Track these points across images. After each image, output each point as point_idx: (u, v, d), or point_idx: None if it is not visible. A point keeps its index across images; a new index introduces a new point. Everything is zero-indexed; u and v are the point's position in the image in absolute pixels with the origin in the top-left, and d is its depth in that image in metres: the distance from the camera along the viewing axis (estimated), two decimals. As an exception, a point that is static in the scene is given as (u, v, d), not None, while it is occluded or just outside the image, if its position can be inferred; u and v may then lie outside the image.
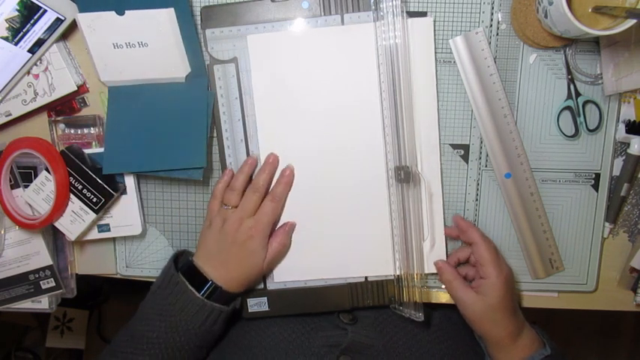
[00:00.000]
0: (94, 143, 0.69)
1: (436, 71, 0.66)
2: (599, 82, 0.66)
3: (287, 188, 0.66)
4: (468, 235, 0.65)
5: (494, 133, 0.67)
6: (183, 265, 0.66)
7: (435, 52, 0.65)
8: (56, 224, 0.67)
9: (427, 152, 0.67)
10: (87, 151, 0.68)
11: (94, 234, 0.70)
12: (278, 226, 0.67)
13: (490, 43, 0.66)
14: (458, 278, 0.64)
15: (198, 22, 0.66)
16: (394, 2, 0.63)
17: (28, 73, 0.67)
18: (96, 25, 0.63)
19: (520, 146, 0.67)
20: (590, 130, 0.67)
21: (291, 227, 0.67)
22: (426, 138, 0.67)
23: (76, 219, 0.67)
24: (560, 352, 0.63)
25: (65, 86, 0.67)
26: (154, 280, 0.73)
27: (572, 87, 0.66)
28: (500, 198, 0.69)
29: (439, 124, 0.67)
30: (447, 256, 0.68)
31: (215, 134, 0.69)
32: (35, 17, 0.62)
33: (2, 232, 0.71)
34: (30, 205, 0.69)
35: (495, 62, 0.66)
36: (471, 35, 0.65)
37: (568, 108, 0.66)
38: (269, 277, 0.70)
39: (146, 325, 0.63)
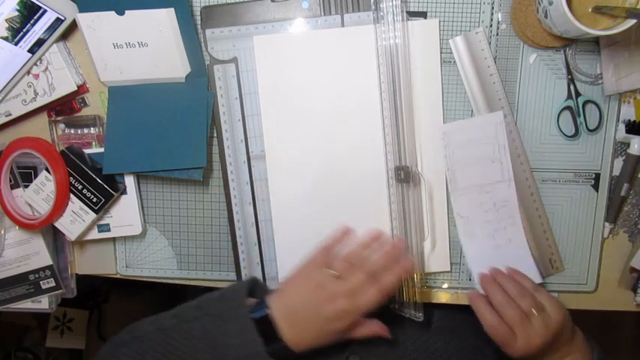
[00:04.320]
0: (94, 143, 0.69)
1: (441, 72, 0.66)
2: (599, 82, 0.66)
3: (398, 282, 0.60)
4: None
5: (494, 133, 0.67)
6: (258, 310, 0.58)
7: (441, 53, 0.65)
8: (56, 224, 0.67)
9: (431, 152, 0.67)
10: (87, 151, 0.68)
11: (94, 234, 0.70)
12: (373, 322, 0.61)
13: (490, 43, 0.66)
14: None
15: (198, 22, 0.66)
16: (394, 2, 0.63)
17: (28, 73, 0.67)
18: (96, 25, 0.63)
19: (520, 146, 0.67)
20: (590, 130, 0.66)
21: (384, 334, 0.62)
22: (428, 138, 0.67)
23: (76, 219, 0.67)
24: None
25: (65, 86, 0.67)
26: (153, 280, 0.73)
27: (572, 87, 0.66)
28: (501, 198, 0.69)
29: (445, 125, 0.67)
30: (450, 257, 0.68)
31: (215, 134, 0.69)
32: (35, 17, 0.62)
33: (2, 232, 0.71)
34: (30, 205, 0.69)
35: (495, 62, 0.66)
36: (471, 35, 0.65)
37: (568, 108, 0.66)
38: (270, 278, 0.70)
39: (187, 346, 0.57)
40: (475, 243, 0.68)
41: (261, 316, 0.57)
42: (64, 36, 0.67)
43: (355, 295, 0.57)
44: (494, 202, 0.67)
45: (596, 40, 0.65)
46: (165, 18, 0.62)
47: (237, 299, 0.59)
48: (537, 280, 0.66)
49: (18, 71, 0.66)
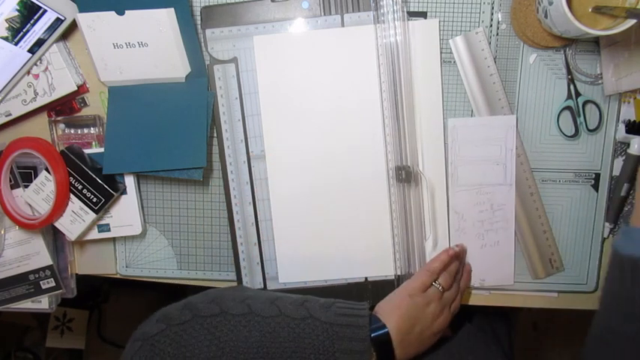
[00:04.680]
0: (94, 143, 0.69)
1: (441, 71, 0.66)
2: (599, 82, 0.66)
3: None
4: None
5: (494, 133, 0.67)
6: (376, 330, 0.57)
7: (441, 53, 0.65)
8: (56, 224, 0.67)
9: (432, 152, 0.67)
10: (87, 151, 0.68)
11: (94, 234, 0.70)
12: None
13: (490, 43, 0.66)
14: None
15: (198, 22, 0.66)
16: (394, 2, 0.63)
17: (28, 73, 0.67)
18: (96, 25, 0.63)
19: (520, 146, 0.67)
20: (590, 130, 0.67)
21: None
22: (429, 138, 0.67)
23: (76, 219, 0.67)
24: None
25: (65, 86, 0.67)
26: (153, 280, 0.73)
27: (572, 87, 0.66)
28: (501, 198, 0.69)
29: (444, 125, 0.67)
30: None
31: (215, 134, 0.69)
32: (35, 17, 0.62)
33: (2, 232, 0.71)
34: (30, 205, 0.69)
35: (495, 62, 0.66)
36: (471, 35, 0.65)
37: (568, 108, 0.66)
38: (270, 278, 0.70)
39: (289, 342, 0.54)
40: (463, 239, 0.68)
41: (379, 334, 0.56)
42: (64, 36, 0.67)
43: (450, 305, 0.63)
44: (492, 204, 0.67)
45: (596, 40, 0.65)
46: (165, 18, 0.62)
47: (357, 315, 0.56)
48: (509, 282, 0.69)
49: (18, 71, 0.66)
